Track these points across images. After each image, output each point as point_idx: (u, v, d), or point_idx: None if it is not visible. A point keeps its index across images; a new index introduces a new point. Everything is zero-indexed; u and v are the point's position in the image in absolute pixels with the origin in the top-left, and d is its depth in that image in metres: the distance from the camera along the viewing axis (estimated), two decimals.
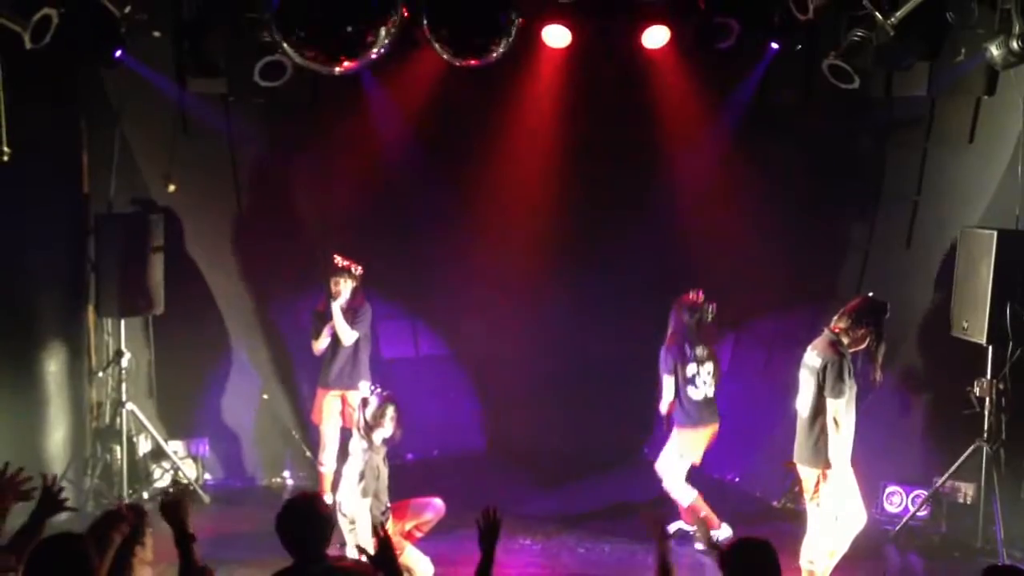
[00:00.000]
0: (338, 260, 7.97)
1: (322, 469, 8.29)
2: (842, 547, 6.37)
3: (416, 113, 8.68)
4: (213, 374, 8.97)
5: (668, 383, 7.54)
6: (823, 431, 6.27)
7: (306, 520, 4.37)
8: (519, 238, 9.19)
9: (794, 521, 6.96)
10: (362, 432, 6.56)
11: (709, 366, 7.61)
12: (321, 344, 8.13)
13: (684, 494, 7.65)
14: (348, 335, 7.98)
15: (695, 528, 7.76)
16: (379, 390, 6.64)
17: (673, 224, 9.05)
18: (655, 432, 8.63)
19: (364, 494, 6.43)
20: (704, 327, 7.58)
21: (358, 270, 7.99)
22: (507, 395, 9.40)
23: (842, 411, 6.22)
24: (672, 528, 7.83)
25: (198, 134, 8.41)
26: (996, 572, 4.06)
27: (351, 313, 7.99)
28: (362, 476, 6.43)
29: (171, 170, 8.31)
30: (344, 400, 8.15)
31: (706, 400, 7.61)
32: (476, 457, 9.44)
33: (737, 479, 9.03)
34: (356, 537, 6.41)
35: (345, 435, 8.24)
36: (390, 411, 6.54)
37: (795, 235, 8.62)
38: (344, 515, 6.56)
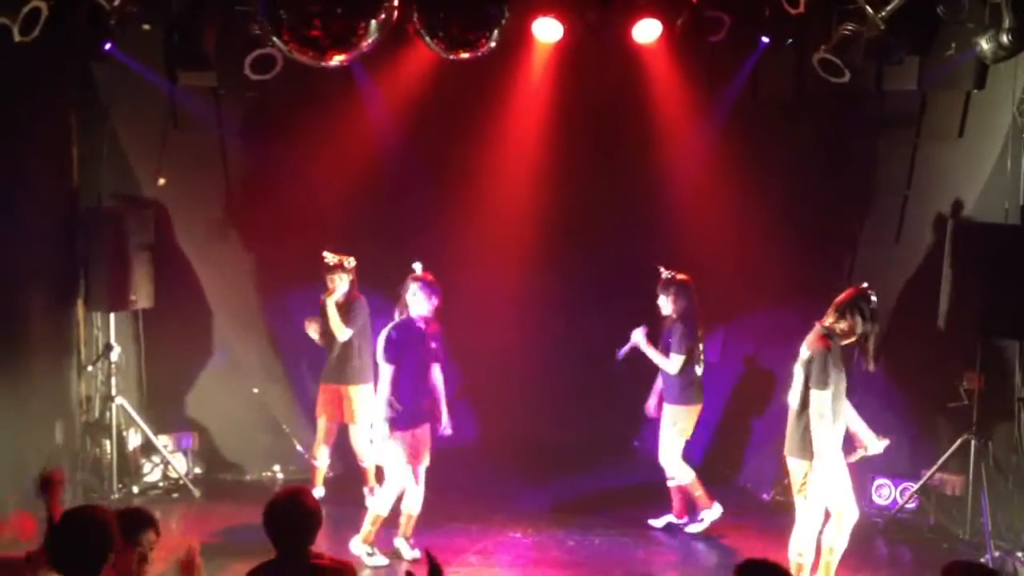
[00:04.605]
0: (328, 257, 7.94)
1: (315, 463, 8.28)
2: (841, 543, 6.37)
3: (407, 106, 8.65)
4: (203, 368, 8.96)
5: (677, 361, 7.56)
6: (809, 423, 6.29)
7: (292, 514, 4.35)
8: (509, 232, 9.18)
9: (784, 514, 6.97)
10: (400, 307, 7.06)
11: (702, 345, 7.70)
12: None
13: (683, 472, 7.72)
14: (342, 331, 7.94)
15: (684, 521, 7.80)
16: (423, 277, 7.01)
17: (663, 217, 9.06)
18: (644, 425, 8.66)
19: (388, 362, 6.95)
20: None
21: (351, 262, 7.96)
22: (497, 389, 9.39)
23: (827, 404, 6.21)
24: (661, 522, 7.88)
25: (188, 128, 8.40)
26: (956, 568, 4.06)
27: (345, 308, 7.96)
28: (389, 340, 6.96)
29: (161, 164, 8.30)
30: (340, 394, 8.11)
31: (700, 378, 7.71)
32: (467, 451, 9.42)
33: (727, 472, 9.03)
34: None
35: (342, 431, 8.22)
36: (416, 290, 6.96)
37: (784, 229, 8.61)
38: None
